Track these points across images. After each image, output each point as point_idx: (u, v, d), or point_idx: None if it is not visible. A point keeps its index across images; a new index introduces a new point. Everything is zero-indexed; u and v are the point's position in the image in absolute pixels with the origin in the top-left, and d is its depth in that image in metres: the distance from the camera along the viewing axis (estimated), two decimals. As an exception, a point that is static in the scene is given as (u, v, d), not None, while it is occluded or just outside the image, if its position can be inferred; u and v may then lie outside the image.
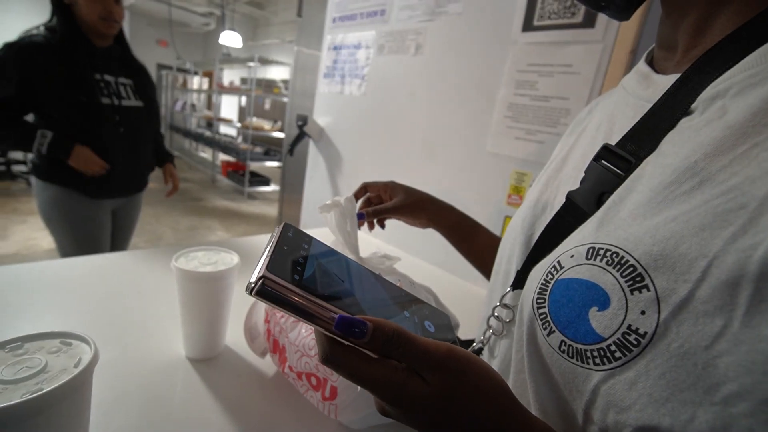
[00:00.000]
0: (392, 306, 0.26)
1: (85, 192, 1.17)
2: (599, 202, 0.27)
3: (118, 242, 1.37)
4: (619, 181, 0.26)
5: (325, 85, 1.37)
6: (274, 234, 0.24)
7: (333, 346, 0.21)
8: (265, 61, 4.70)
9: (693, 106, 0.24)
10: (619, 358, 0.21)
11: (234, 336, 0.56)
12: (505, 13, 0.87)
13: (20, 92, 1.03)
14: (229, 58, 5.22)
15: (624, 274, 0.22)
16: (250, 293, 0.20)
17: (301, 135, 1.40)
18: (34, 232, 2.80)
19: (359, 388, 0.39)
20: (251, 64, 4.59)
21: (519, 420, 0.22)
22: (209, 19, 7.02)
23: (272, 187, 4.86)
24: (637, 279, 0.21)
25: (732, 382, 0.17)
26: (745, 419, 0.17)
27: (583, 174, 0.30)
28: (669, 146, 0.24)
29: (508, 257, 0.36)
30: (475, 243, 0.58)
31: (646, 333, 0.20)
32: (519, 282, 0.31)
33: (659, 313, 0.20)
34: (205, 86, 7.37)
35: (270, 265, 0.21)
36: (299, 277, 0.21)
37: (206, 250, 0.53)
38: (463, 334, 0.52)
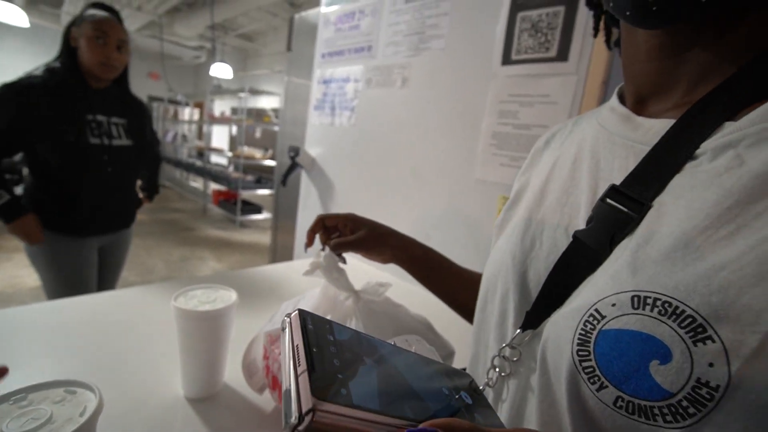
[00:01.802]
0: (432, 385, 0.23)
1: (69, 232, 1.17)
2: (612, 242, 0.27)
3: (106, 279, 1.36)
4: (632, 222, 0.26)
5: (316, 117, 1.41)
6: (289, 329, 0.19)
7: None
8: (255, 92, 4.81)
9: (698, 151, 0.25)
10: (694, 414, 0.20)
11: (232, 373, 0.56)
12: (484, 48, 0.93)
13: (8, 133, 1.05)
14: (220, 89, 5.33)
15: (683, 325, 0.21)
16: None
17: (294, 166, 1.43)
18: (19, 270, 2.75)
19: None
20: (242, 94, 4.68)
21: None
22: (200, 52, 7.20)
23: (264, 215, 4.86)
24: (699, 330, 0.21)
25: None
26: None
27: (583, 211, 0.30)
28: (683, 189, 0.25)
29: (501, 295, 0.35)
30: (443, 278, 0.55)
31: (719, 386, 0.20)
32: (529, 323, 0.30)
33: (729, 365, 0.20)
34: (196, 117, 7.46)
35: (314, 387, 0.16)
36: (347, 391, 0.17)
37: (205, 288, 0.54)
38: (458, 359, 0.53)
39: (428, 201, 1.06)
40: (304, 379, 0.16)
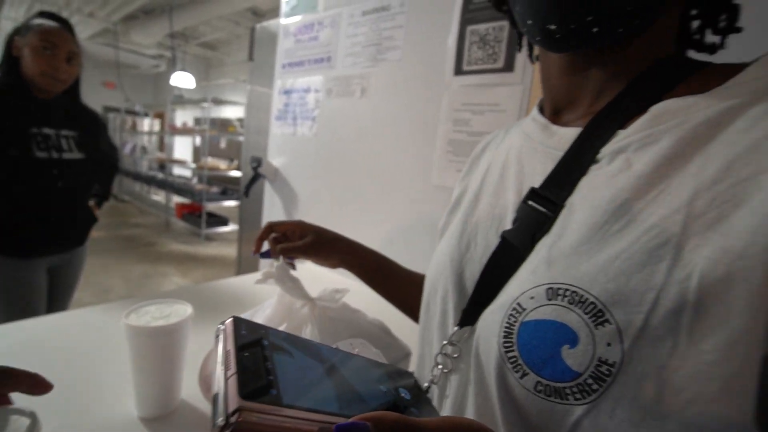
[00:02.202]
0: (370, 384, 0.24)
1: (14, 253, 1.10)
2: (533, 240, 0.29)
3: (56, 302, 1.28)
4: (548, 221, 0.29)
5: (278, 127, 1.41)
6: (223, 336, 0.20)
7: None
8: (218, 102, 4.70)
9: (599, 156, 0.28)
10: (597, 389, 0.23)
11: (190, 389, 0.55)
12: (438, 60, 0.97)
13: None
14: (182, 99, 5.17)
15: (587, 311, 0.24)
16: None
17: (256, 176, 1.41)
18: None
19: None
20: (205, 104, 4.57)
21: None
22: (159, 61, 6.96)
23: (231, 227, 4.73)
24: (599, 315, 0.23)
25: (686, 391, 0.21)
26: (700, 418, 0.21)
27: (510, 213, 0.33)
28: (588, 189, 0.28)
29: (442, 296, 0.37)
30: (392, 282, 0.57)
31: (615, 363, 0.23)
32: (466, 320, 0.32)
33: (622, 343, 0.22)
34: (157, 128, 7.18)
35: (242, 388, 0.16)
36: (277, 390, 0.17)
37: (159, 303, 0.53)
38: (415, 360, 0.55)
39: (390, 207, 1.08)
40: (232, 381, 0.17)
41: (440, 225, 0.45)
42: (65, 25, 1.12)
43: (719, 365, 0.20)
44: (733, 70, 0.26)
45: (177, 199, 5.18)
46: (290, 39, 1.36)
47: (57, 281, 1.26)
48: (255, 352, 0.19)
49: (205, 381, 0.53)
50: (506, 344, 0.27)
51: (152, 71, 7.55)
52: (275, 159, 1.42)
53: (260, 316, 0.50)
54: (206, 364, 0.53)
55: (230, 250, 4.16)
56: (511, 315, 0.27)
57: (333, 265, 0.57)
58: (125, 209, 5.83)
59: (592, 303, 0.24)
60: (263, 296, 0.91)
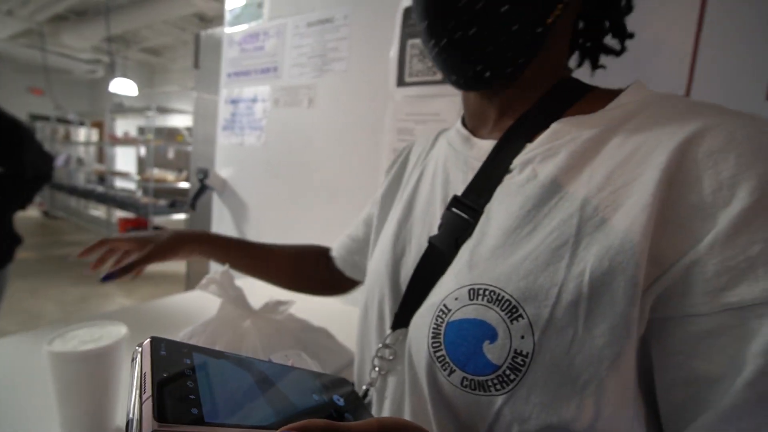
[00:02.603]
0: (302, 395, 0.24)
1: None
2: (456, 245, 0.32)
3: None
4: (470, 226, 0.32)
5: (225, 137, 1.37)
6: (139, 358, 0.19)
7: None
8: (163, 110, 4.47)
9: (511, 166, 0.32)
10: (514, 379, 0.25)
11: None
12: (381, 71, 1.00)
13: None
14: (122, 107, 4.85)
15: (503, 308, 0.26)
16: None
17: (203, 188, 1.36)
18: None
19: None
20: (149, 113, 4.32)
21: None
22: (96, 66, 6.48)
23: (182, 241, 4.48)
24: (514, 311, 0.26)
25: (585, 372, 0.24)
26: (593, 397, 0.24)
27: (438, 219, 0.35)
28: (503, 197, 0.31)
29: (379, 300, 0.38)
30: (250, 256, 0.57)
31: (528, 353, 0.25)
32: (398, 323, 0.34)
33: (533, 335, 0.25)
34: (95, 138, 6.67)
35: (157, 410, 0.16)
36: (198, 410, 0.17)
37: (89, 327, 0.50)
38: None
39: (341, 215, 1.09)
40: (147, 405, 0.16)
41: (364, 215, 0.48)
42: None
43: (608, 347, 0.23)
44: (612, 95, 0.32)
45: (120, 214, 4.83)
46: (235, 48, 1.34)
47: (-27, 310, 1.13)
48: (175, 372, 0.18)
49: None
50: (434, 344, 0.29)
51: (87, 77, 7.01)
52: (223, 170, 1.38)
53: (201, 331, 0.49)
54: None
55: (179, 266, 3.93)
56: (438, 316, 0.29)
57: (185, 257, 0.55)
58: (58, 226, 5.34)
59: (507, 300, 0.26)
60: (211, 312, 0.89)
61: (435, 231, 0.36)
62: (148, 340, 0.20)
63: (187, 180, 4.59)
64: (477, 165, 0.35)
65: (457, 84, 0.35)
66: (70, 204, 5.96)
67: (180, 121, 6.48)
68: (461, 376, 0.27)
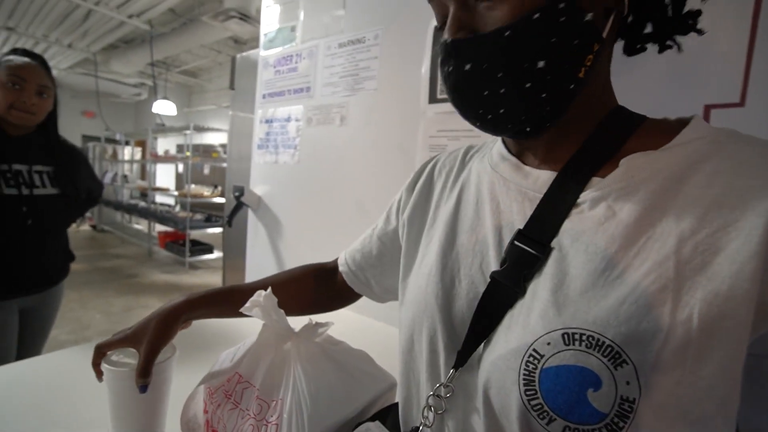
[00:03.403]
0: None
1: None
2: (524, 279, 0.31)
3: (29, 345, 1.22)
4: (539, 261, 0.30)
5: (260, 156, 1.42)
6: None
7: None
8: (200, 129, 4.71)
9: (579, 200, 0.31)
10: (622, 426, 0.25)
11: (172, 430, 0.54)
12: (412, 88, 1.01)
13: None
14: (164, 127, 5.15)
15: (605, 354, 0.25)
16: None
17: (239, 206, 1.41)
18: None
19: None
20: (187, 132, 4.57)
21: None
22: (140, 89, 6.95)
23: (216, 254, 4.65)
24: (617, 357, 0.25)
25: (696, 407, 0.24)
26: (711, 428, 0.25)
27: (492, 251, 0.34)
28: (577, 234, 0.30)
29: (429, 335, 0.36)
30: (232, 304, 0.50)
31: (635, 398, 0.25)
32: (461, 362, 0.33)
33: (638, 380, 0.25)
34: (138, 156, 7.11)
35: None
36: None
37: None
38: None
39: (373, 232, 1.10)
40: None
41: (377, 231, 0.50)
42: (37, 60, 1.12)
43: (716, 387, 0.24)
44: (668, 127, 0.31)
45: (159, 228, 5.08)
46: (270, 70, 1.39)
47: (28, 323, 1.21)
48: None
49: (188, 424, 0.52)
50: (528, 391, 0.27)
51: (133, 100, 7.53)
52: (257, 187, 1.42)
53: (242, 353, 0.50)
54: (188, 406, 0.52)
55: (216, 278, 4.08)
56: (528, 362, 0.28)
57: (178, 330, 0.50)
58: (105, 240, 5.68)
59: (609, 346, 0.26)
60: (249, 328, 0.91)
61: (488, 262, 0.35)
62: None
63: (222, 195, 4.78)
64: (535, 196, 0.34)
65: (502, 137, 0.37)
66: (116, 218, 6.35)
67: (214, 138, 6.79)
68: (563, 425, 0.26)
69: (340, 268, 0.58)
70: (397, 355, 0.41)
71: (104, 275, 3.95)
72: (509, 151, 0.39)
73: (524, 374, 0.28)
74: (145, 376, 0.45)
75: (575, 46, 0.30)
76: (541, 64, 0.30)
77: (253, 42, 5.19)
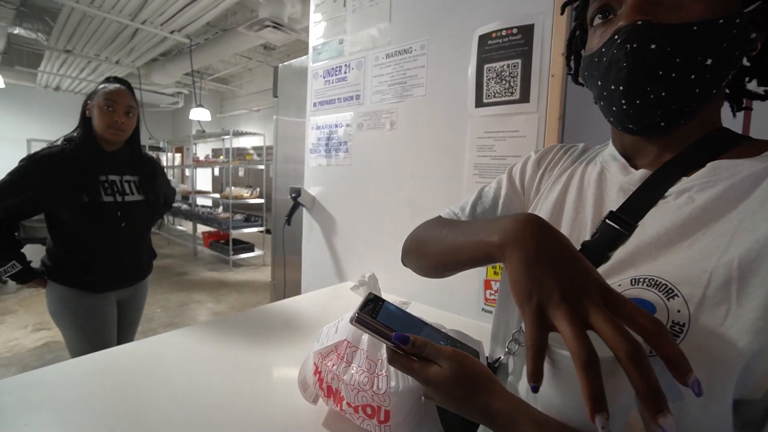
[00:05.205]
0: (432, 335, 0.41)
1: (89, 288, 1.25)
2: (608, 250, 0.38)
3: (125, 332, 1.42)
4: (624, 236, 0.38)
5: (313, 159, 1.55)
6: (364, 295, 0.42)
7: (395, 353, 0.37)
8: (238, 134, 4.95)
9: (667, 193, 0.38)
10: None
11: (290, 390, 0.66)
12: (460, 94, 1.10)
13: (24, 203, 1.15)
14: (204, 133, 5.45)
15: (660, 290, 0.32)
16: (351, 322, 0.39)
17: (296, 206, 1.55)
18: (14, 332, 2.71)
19: (407, 409, 0.51)
20: (226, 137, 4.81)
21: (497, 390, 0.34)
22: (177, 98, 7.35)
23: (256, 253, 4.90)
24: (670, 291, 0.32)
25: (741, 340, 0.29)
26: (758, 361, 0.29)
27: (588, 227, 0.42)
28: (658, 215, 0.37)
29: None
30: None
31: (684, 323, 0.31)
32: None
33: (689, 309, 0.31)
34: (177, 161, 7.51)
35: (361, 309, 0.39)
36: (376, 315, 0.39)
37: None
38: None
39: (425, 226, 1.20)
40: (360, 306, 0.40)
41: (500, 193, 0.56)
42: (124, 85, 1.30)
43: (761, 318, 0.29)
44: (764, 145, 0.38)
45: (202, 228, 5.39)
46: (320, 80, 1.52)
47: (125, 314, 1.40)
48: (375, 302, 0.41)
49: (302, 384, 0.64)
50: None
51: (170, 108, 7.95)
52: (311, 188, 1.55)
53: (342, 328, 0.62)
54: (302, 369, 0.65)
55: (257, 275, 4.31)
56: None
57: None
58: (155, 241, 6.06)
59: (664, 284, 0.33)
60: (332, 311, 1.03)
61: (585, 236, 0.43)
62: (369, 292, 0.43)
63: (260, 197, 5.01)
64: (630, 189, 0.41)
65: (630, 131, 0.41)
66: (162, 221, 6.74)
67: (246, 141, 7.07)
68: None
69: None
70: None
71: (157, 273, 4.26)
72: (621, 154, 0.46)
73: None
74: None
75: (735, 57, 0.36)
76: (709, 61, 0.35)
77: (283, 48, 5.38)
